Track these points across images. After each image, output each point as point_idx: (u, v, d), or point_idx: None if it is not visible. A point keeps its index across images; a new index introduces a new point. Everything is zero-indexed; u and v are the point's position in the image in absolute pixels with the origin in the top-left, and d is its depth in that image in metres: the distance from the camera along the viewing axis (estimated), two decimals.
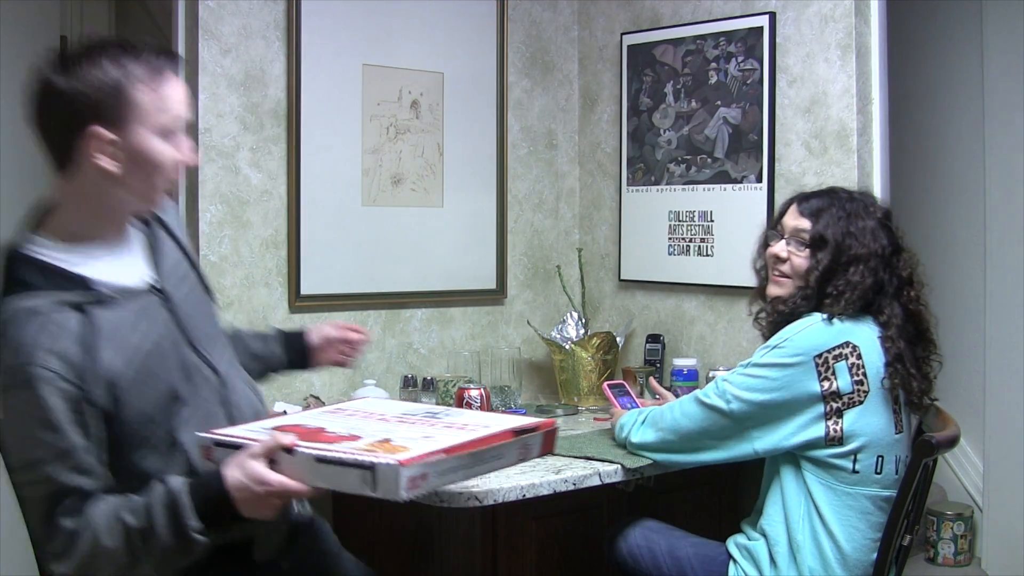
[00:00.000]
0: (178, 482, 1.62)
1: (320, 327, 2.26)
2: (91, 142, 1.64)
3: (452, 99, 3.32)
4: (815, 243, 2.29)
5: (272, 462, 1.62)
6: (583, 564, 2.61)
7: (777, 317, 2.33)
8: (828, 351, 2.18)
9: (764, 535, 2.25)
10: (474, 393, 2.70)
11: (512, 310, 3.51)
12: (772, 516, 2.25)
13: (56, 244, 1.69)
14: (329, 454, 1.62)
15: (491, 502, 2.20)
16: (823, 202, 2.33)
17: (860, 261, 2.25)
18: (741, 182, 3.16)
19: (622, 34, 3.49)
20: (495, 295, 3.46)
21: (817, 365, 2.17)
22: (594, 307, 3.61)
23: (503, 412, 2.98)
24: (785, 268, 2.34)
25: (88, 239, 1.71)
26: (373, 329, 3.17)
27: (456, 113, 3.33)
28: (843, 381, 2.17)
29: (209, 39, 2.84)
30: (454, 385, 2.91)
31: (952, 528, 4.05)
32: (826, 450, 2.18)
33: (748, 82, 3.13)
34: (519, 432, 1.80)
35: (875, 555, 2.16)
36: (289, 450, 1.62)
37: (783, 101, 3.07)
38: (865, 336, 2.22)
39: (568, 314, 3.45)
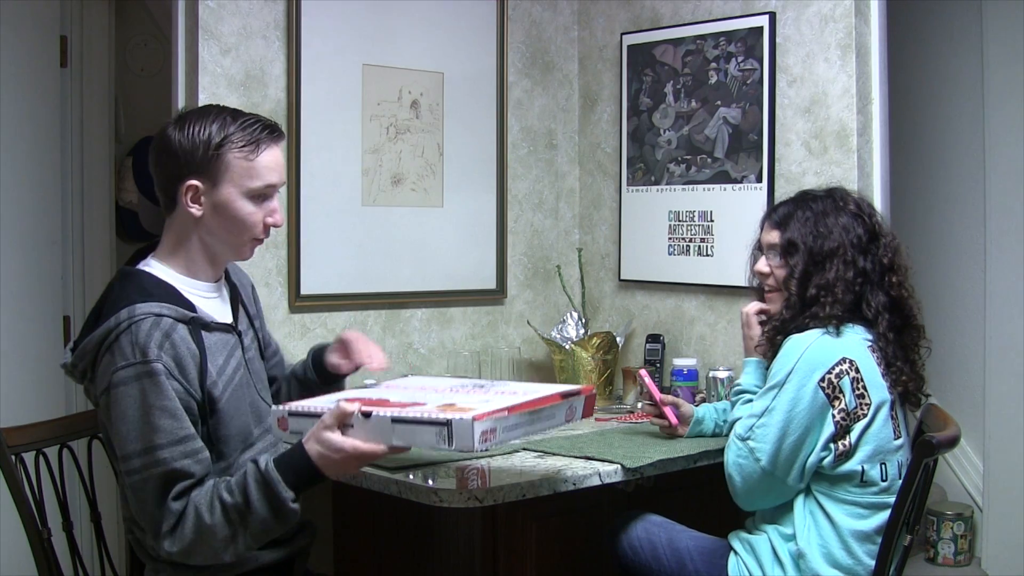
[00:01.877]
0: (264, 460, 1.84)
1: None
2: (187, 190, 1.91)
3: (452, 99, 3.31)
4: (786, 250, 2.33)
5: (346, 427, 1.83)
6: (583, 564, 2.61)
7: (771, 333, 2.35)
8: (829, 371, 2.18)
9: (767, 532, 2.26)
10: None
11: (512, 310, 3.51)
12: (778, 519, 2.26)
13: (169, 271, 1.96)
14: (405, 414, 1.84)
15: (491, 502, 2.19)
16: (789, 209, 2.37)
17: (834, 256, 2.27)
18: (741, 182, 3.16)
19: (622, 34, 3.49)
20: (495, 295, 3.46)
21: (823, 389, 2.18)
22: (594, 307, 3.61)
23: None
24: (771, 282, 2.39)
25: (191, 275, 1.98)
26: (373, 329, 3.17)
27: (456, 113, 3.33)
28: (848, 398, 2.18)
29: (209, 39, 2.84)
30: None
31: (952, 528, 4.05)
32: (836, 467, 2.19)
33: (748, 82, 3.13)
34: (565, 395, 2.04)
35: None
36: (367, 415, 1.84)
37: (783, 101, 3.07)
38: (858, 348, 2.23)
39: (568, 314, 3.45)
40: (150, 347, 1.82)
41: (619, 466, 2.39)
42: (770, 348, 2.34)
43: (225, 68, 2.87)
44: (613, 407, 3.18)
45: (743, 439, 2.23)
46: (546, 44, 3.58)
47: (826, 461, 2.19)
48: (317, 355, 2.30)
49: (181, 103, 2.87)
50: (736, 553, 2.29)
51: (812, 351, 2.20)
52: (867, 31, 2.95)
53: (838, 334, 2.22)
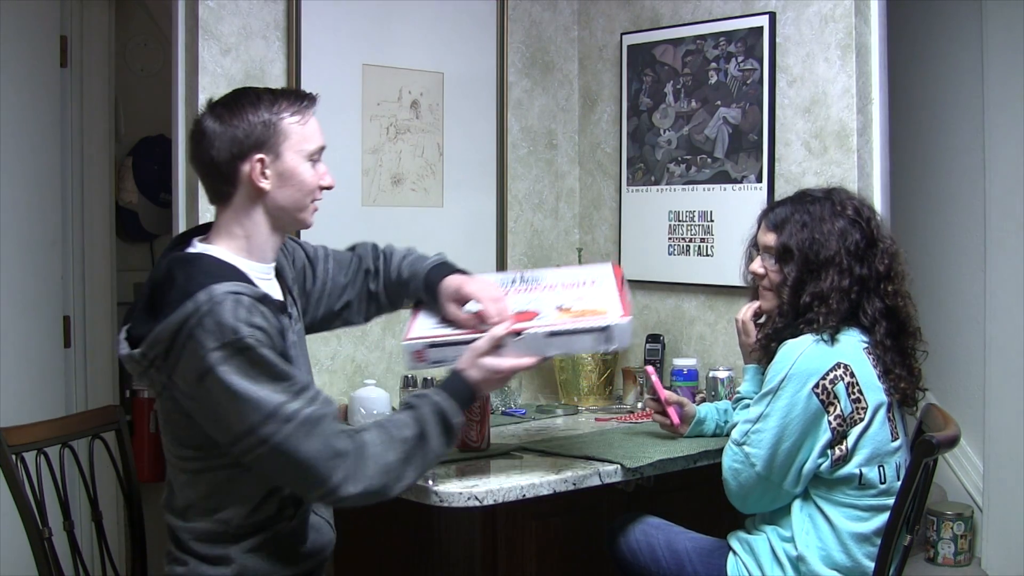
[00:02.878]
0: (436, 394, 2.00)
1: (464, 290, 2.21)
2: (255, 165, 1.95)
3: (452, 99, 3.31)
4: (781, 255, 2.31)
5: (497, 348, 2.03)
6: (583, 564, 2.61)
7: (764, 341, 2.34)
8: (823, 377, 2.17)
9: (766, 532, 2.25)
10: None
11: None
12: (777, 520, 2.25)
13: (227, 253, 1.98)
14: (561, 327, 2.09)
15: (491, 502, 2.19)
16: (787, 211, 2.33)
17: (830, 265, 2.24)
18: (741, 182, 3.16)
19: (622, 34, 3.49)
20: None
21: (818, 396, 2.16)
22: None
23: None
24: (766, 283, 2.38)
25: (250, 256, 2.00)
26: (373, 329, 3.16)
27: (456, 113, 3.33)
28: (844, 403, 2.17)
29: (209, 39, 2.84)
30: None
31: (952, 528, 4.05)
32: (833, 471, 2.18)
33: (748, 82, 3.13)
34: (621, 283, 2.30)
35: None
36: (518, 334, 2.05)
37: (783, 101, 3.07)
38: (853, 351, 2.21)
39: None
40: (239, 324, 1.81)
41: (619, 466, 2.39)
42: (764, 355, 2.33)
43: (225, 68, 2.87)
44: (613, 407, 3.19)
45: (739, 444, 2.23)
46: (546, 44, 3.58)
47: (823, 466, 2.18)
48: (432, 280, 2.26)
49: (181, 103, 2.87)
50: (735, 554, 2.29)
51: (806, 357, 2.18)
52: (867, 31, 2.95)
53: (832, 342, 2.21)
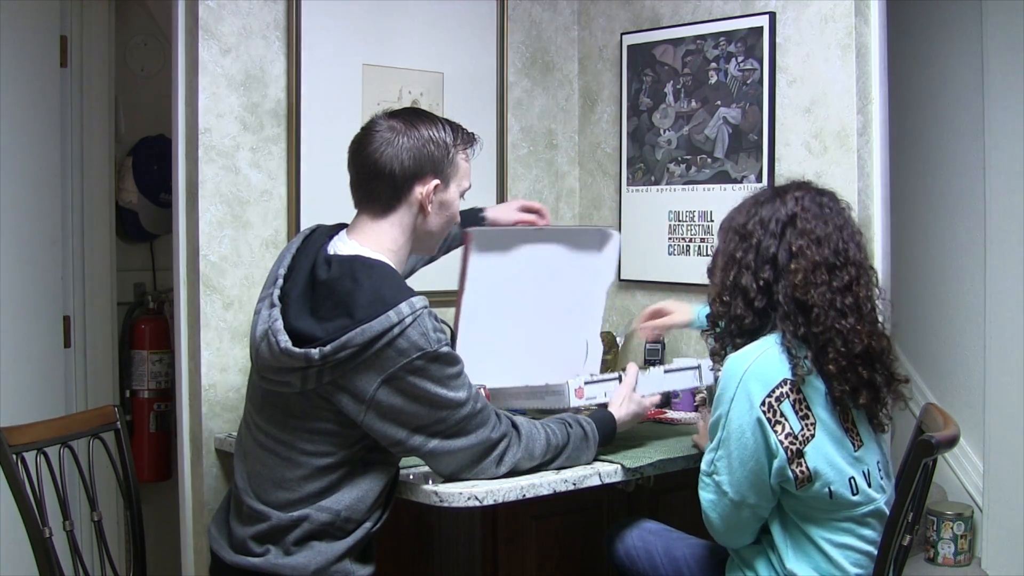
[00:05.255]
0: (588, 424, 2.32)
1: (498, 212, 2.74)
2: (433, 189, 2.09)
3: (452, 99, 3.31)
4: (710, 272, 2.31)
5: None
6: (583, 564, 2.61)
7: (717, 349, 2.28)
8: (768, 395, 2.07)
9: (763, 540, 2.23)
10: None
11: None
12: (770, 531, 2.23)
13: (390, 263, 2.09)
14: (673, 366, 2.67)
15: (491, 502, 2.19)
16: (718, 239, 2.29)
17: (736, 232, 2.20)
18: (741, 182, 3.16)
19: (622, 34, 3.49)
20: None
21: (765, 415, 2.07)
22: None
23: None
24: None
25: (398, 268, 2.12)
26: None
27: (456, 113, 3.31)
28: (792, 421, 2.08)
29: (209, 39, 2.84)
30: None
31: (952, 528, 4.06)
32: (800, 490, 2.10)
33: (748, 82, 3.13)
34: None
35: (873, 563, 2.14)
36: (644, 370, 2.54)
37: (783, 101, 3.07)
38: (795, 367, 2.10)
39: None
40: (439, 335, 2.00)
41: (619, 466, 2.39)
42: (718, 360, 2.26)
43: (225, 68, 2.87)
44: None
45: (708, 474, 2.17)
46: (546, 44, 3.58)
47: (788, 484, 2.10)
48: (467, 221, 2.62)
49: (181, 103, 2.87)
50: (734, 560, 2.26)
51: (750, 376, 2.09)
52: (867, 31, 2.95)
53: (773, 359, 2.10)
